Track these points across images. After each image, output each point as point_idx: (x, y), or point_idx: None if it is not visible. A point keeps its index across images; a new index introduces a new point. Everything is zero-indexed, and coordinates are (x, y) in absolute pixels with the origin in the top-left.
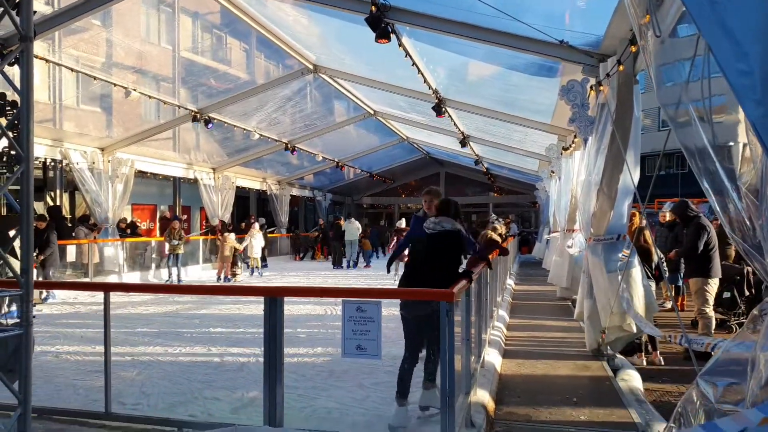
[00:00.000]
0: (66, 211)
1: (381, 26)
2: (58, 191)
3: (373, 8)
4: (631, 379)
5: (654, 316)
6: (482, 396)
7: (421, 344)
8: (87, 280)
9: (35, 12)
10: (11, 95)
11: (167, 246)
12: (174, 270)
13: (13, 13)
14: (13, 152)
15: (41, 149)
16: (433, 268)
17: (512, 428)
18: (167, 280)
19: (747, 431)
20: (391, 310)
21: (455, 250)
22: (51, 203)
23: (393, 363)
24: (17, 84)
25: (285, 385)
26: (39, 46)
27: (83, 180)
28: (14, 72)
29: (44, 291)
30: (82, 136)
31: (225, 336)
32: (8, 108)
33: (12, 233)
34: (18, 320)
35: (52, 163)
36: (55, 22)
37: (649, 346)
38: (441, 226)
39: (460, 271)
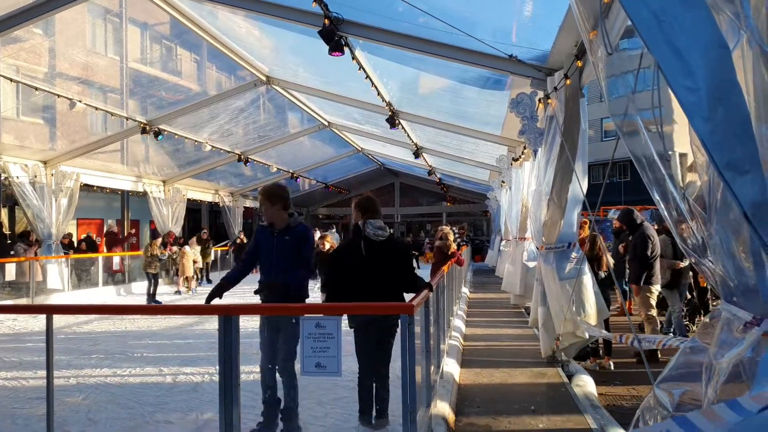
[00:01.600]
0: (5, 228)
1: (334, 39)
2: None
3: (326, 21)
4: (586, 385)
5: (605, 320)
6: (442, 408)
7: (373, 357)
8: (28, 300)
9: None
10: None
11: (145, 262)
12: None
13: None
14: None
15: None
16: (382, 280)
17: None
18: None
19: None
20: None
21: (405, 261)
22: None
23: (353, 378)
24: None
25: (242, 405)
26: None
27: (24, 194)
28: None
29: None
30: (23, 149)
31: (177, 356)
32: None
33: None
34: None
35: None
36: None
37: (601, 351)
38: (387, 231)
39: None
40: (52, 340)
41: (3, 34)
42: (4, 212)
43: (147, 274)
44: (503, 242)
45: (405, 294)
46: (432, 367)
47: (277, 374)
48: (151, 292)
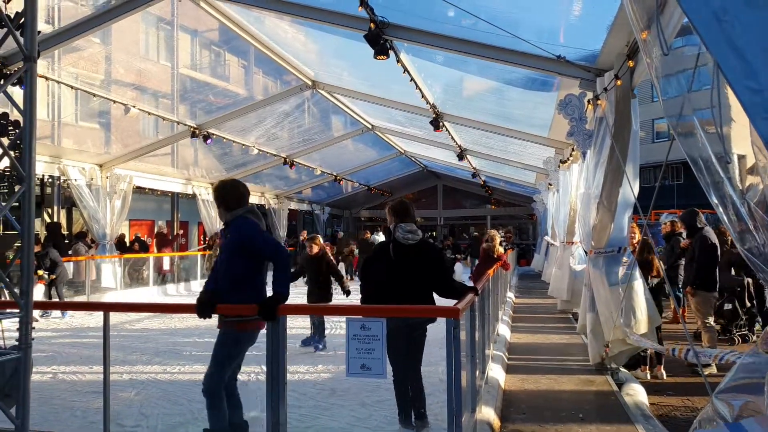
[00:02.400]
0: (64, 228)
1: (380, 43)
2: (55, 207)
3: (372, 25)
4: (636, 394)
5: (657, 328)
6: (487, 413)
7: (406, 360)
8: (84, 297)
9: (39, 31)
10: (12, 113)
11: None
12: None
13: (17, 33)
14: (14, 172)
15: (40, 166)
16: (412, 283)
17: None
18: None
19: None
20: None
21: (437, 265)
22: (48, 220)
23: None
24: (20, 103)
25: (287, 404)
26: (39, 64)
27: (81, 196)
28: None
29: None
30: (81, 153)
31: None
32: (10, 128)
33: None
34: (17, 343)
35: (50, 180)
36: (56, 40)
37: (653, 360)
38: (417, 234)
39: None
40: (109, 336)
41: (65, 44)
42: (63, 213)
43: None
44: (550, 246)
45: (445, 298)
46: (477, 372)
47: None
48: None
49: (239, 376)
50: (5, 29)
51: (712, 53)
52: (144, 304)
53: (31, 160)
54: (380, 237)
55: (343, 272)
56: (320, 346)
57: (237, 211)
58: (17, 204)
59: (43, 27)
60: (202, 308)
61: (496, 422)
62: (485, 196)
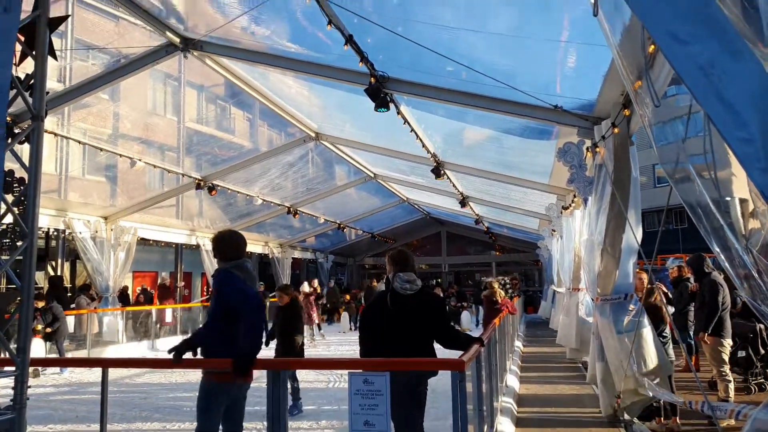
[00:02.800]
0: (66, 281)
1: (380, 96)
2: (59, 260)
3: (372, 80)
4: None
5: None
6: None
7: (408, 415)
8: (85, 352)
9: (48, 92)
10: (18, 170)
11: None
12: None
13: (26, 93)
14: (17, 228)
15: (45, 219)
16: (411, 333)
17: None
18: None
19: None
20: None
21: (437, 314)
22: (52, 273)
23: None
24: (25, 161)
25: None
26: (48, 121)
27: (85, 249)
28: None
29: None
30: (86, 206)
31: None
32: (15, 185)
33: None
34: (11, 402)
35: (55, 233)
36: (66, 98)
37: (669, 411)
38: (417, 284)
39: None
40: (107, 393)
41: (75, 101)
42: (67, 266)
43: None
44: (556, 293)
45: (449, 349)
46: (485, 427)
47: None
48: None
49: None
50: (15, 90)
51: (702, 106)
52: (142, 359)
53: (35, 217)
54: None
55: (347, 321)
56: (295, 411)
57: (223, 264)
58: (19, 258)
59: (54, 85)
60: (173, 351)
61: None
62: (489, 243)
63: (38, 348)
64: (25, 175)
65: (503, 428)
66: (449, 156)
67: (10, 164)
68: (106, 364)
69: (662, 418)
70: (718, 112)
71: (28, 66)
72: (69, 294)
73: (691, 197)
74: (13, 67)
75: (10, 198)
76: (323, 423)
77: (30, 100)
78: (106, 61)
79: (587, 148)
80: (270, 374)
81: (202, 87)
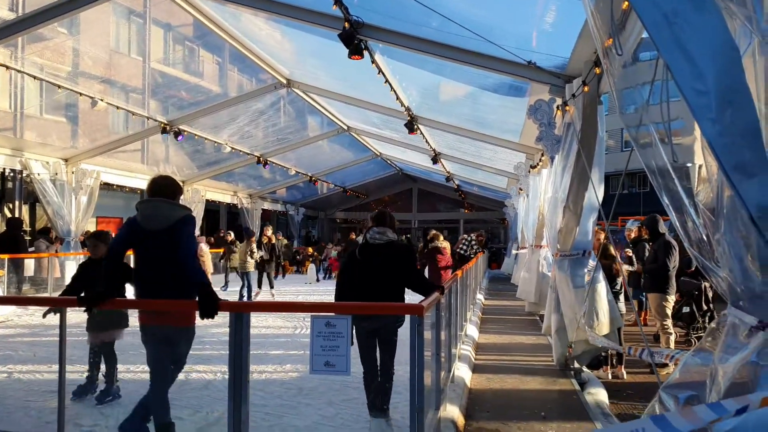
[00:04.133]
0: (26, 224)
1: (354, 43)
2: (17, 203)
3: (347, 24)
4: (598, 393)
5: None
6: (452, 411)
7: (376, 358)
8: (47, 296)
9: None
10: None
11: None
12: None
13: None
14: None
15: (0, 159)
16: (380, 281)
17: None
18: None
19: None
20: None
21: (405, 262)
22: (9, 215)
23: (362, 379)
24: None
25: (252, 403)
26: (0, 53)
27: (44, 192)
28: None
29: None
30: (45, 146)
31: (191, 353)
32: None
33: None
34: None
35: (11, 174)
36: (18, 27)
37: (614, 360)
38: (387, 236)
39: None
40: (65, 333)
41: (28, 31)
42: (26, 209)
43: (241, 274)
44: (519, 249)
45: (416, 293)
46: (443, 372)
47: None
48: (245, 293)
49: (204, 376)
50: None
51: (662, 55)
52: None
53: None
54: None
55: (314, 273)
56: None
57: None
58: None
59: (6, 14)
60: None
61: (461, 420)
62: (459, 201)
63: None
64: None
65: (461, 374)
66: (423, 111)
67: None
68: (64, 303)
69: (608, 367)
70: (677, 63)
71: None
72: (29, 238)
73: (651, 162)
74: None
75: None
76: (287, 367)
77: None
78: None
79: (557, 107)
80: (232, 316)
81: (169, 26)
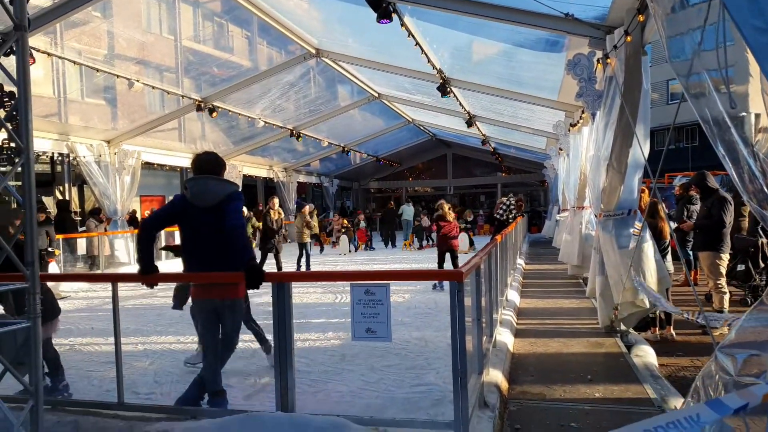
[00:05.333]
0: (76, 205)
1: (382, 6)
2: (66, 185)
3: None
4: (646, 355)
5: (667, 290)
6: (495, 376)
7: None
8: (98, 272)
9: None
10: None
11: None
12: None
13: (6, 2)
14: (12, 144)
15: (47, 143)
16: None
17: (526, 407)
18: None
19: (749, 406)
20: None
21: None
22: (60, 197)
23: (405, 345)
24: (14, 75)
25: (297, 370)
26: (41, 41)
27: (90, 173)
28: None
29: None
30: (88, 129)
31: None
32: (6, 99)
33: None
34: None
35: (60, 157)
36: (55, 14)
37: (663, 321)
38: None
39: None
40: (118, 306)
41: (65, 17)
42: (75, 190)
43: (299, 245)
44: (561, 212)
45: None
46: (485, 337)
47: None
48: (303, 262)
49: (251, 345)
50: None
51: None
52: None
53: (29, 132)
54: (410, 207)
55: (346, 245)
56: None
57: None
58: (18, 175)
59: (42, 1)
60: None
61: (504, 384)
62: (496, 164)
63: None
64: (14, 89)
65: (502, 338)
66: (456, 72)
67: None
68: (115, 279)
69: (657, 328)
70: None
71: None
72: (79, 218)
73: (705, 111)
74: None
75: (1, 113)
76: (330, 334)
77: (11, 8)
78: None
79: (598, 60)
80: (275, 287)
81: (197, 2)
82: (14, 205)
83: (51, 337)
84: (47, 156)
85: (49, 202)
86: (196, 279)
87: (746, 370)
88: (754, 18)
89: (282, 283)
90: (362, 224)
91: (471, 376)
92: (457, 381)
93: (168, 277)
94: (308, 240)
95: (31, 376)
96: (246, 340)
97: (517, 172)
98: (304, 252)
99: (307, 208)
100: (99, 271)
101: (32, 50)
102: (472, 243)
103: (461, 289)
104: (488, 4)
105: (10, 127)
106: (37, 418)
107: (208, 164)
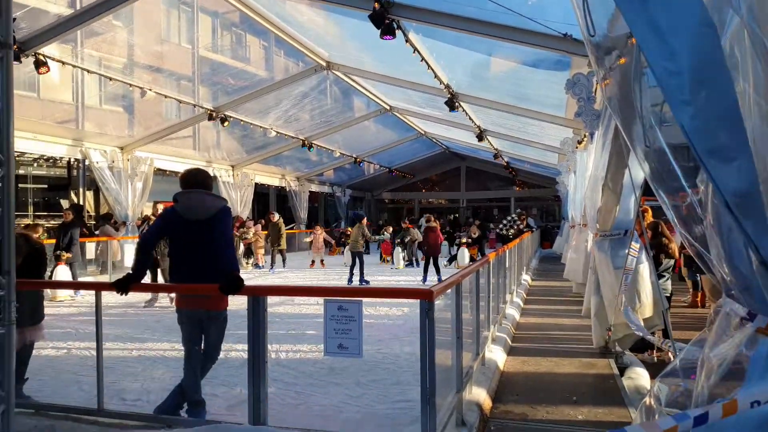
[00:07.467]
0: (90, 209)
1: (384, 23)
2: (82, 189)
3: (376, 5)
4: (638, 378)
5: (673, 312)
6: (478, 394)
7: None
8: (107, 277)
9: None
10: None
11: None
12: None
13: None
14: None
15: (62, 149)
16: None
17: (506, 427)
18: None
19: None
20: (385, 309)
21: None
22: (75, 201)
23: (395, 360)
24: None
25: (283, 381)
26: (60, 48)
27: (103, 179)
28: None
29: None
30: (103, 136)
31: (232, 333)
32: None
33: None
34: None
35: (75, 163)
36: (76, 21)
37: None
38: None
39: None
40: (101, 313)
41: (84, 26)
42: (90, 195)
43: (352, 254)
44: (570, 228)
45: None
46: (469, 354)
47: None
48: (356, 271)
49: (243, 355)
50: None
51: (634, 33)
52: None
53: (9, 145)
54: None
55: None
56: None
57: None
58: None
59: (63, 10)
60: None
61: (487, 403)
62: (510, 178)
63: (65, 274)
64: None
65: (493, 356)
66: (464, 88)
67: None
68: (99, 287)
69: (655, 351)
70: (648, 41)
71: None
72: (93, 222)
73: (673, 139)
74: None
75: None
76: (321, 346)
77: None
78: None
79: (596, 80)
80: (250, 299)
81: (216, 13)
82: None
83: (32, 343)
84: (63, 161)
85: (64, 205)
86: (178, 290)
87: (673, 399)
88: (665, 60)
89: (257, 297)
90: (386, 236)
91: (448, 394)
92: (425, 400)
93: (150, 288)
94: (362, 249)
95: (4, 382)
96: (238, 349)
97: (531, 187)
98: (357, 260)
99: (365, 220)
100: (108, 277)
101: (48, 58)
102: (473, 260)
103: (431, 308)
104: (489, 23)
105: None
106: (8, 423)
107: (201, 180)
